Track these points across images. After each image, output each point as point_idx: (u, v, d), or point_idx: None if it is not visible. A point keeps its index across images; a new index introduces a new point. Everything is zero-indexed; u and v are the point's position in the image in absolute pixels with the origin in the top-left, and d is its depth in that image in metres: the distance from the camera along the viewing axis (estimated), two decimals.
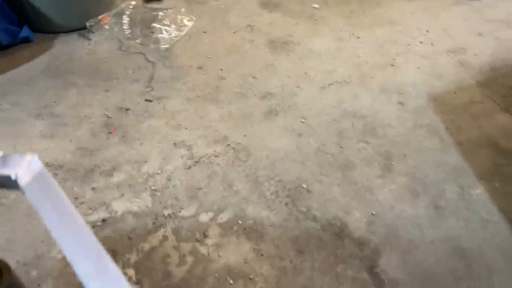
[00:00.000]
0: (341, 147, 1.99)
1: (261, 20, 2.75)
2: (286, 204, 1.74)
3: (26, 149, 1.90)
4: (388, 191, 1.80)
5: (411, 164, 1.92)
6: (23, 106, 2.10)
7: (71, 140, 1.95)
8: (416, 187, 1.82)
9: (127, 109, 2.11)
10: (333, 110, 2.17)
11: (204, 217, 1.69)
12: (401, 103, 2.23)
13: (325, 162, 1.92)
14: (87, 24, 2.53)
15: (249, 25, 2.70)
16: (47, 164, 1.83)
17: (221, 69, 2.38)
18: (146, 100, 2.17)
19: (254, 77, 2.34)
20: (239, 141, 1.99)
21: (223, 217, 1.69)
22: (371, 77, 2.38)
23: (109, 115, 2.08)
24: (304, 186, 1.81)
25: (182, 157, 1.91)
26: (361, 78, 2.38)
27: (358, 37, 2.67)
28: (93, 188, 1.76)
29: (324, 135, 2.04)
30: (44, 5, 2.41)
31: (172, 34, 2.52)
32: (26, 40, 2.44)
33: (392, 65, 2.47)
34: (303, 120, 2.11)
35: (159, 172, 1.84)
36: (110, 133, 2.00)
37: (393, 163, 1.92)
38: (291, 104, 2.20)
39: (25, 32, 2.43)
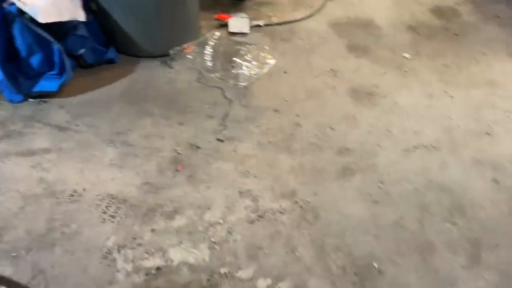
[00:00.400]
0: (422, 224, 1.78)
1: (346, 65, 2.61)
2: (354, 283, 1.56)
3: (93, 176, 1.88)
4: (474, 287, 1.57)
5: (504, 258, 1.67)
6: (98, 129, 2.10)
7: (138, 173, 1.92)
8: None
9: (198, 147, 2.05)
10: (416, 179, 1.96)
11: (261, 283, 1.56)
12: (496, 181, 1.98)
13: (402, 240, 1.72)
14: (171, 51, 2.53)
15: (332, 70, 2.56)
16: (111, 197, 1.80)
17: (298, 115, 2.26)
18: (218, 140, 2.09)
19: (332, 128, 2.19)
20: (308, 199, 1.85)
21: (282, 287, 1.55)
22: (462, 145, 2.14)
23: (179, 151, 2.02)
24: (376, 265, 1.62)
25: (246, 209, 1.80)
26: (451, 144, 2.14)
27: (451, 96, 2.43)
28: (152, 230, 1.70)
29: (404, 207, 1.84)
30: (132, 29, 2.44)
31: (253, 71, 2.45)
32: (110, 62, 2.48)
33: (488, 134, 2.21)
34: (381, 186, 1.92)
35: (221, 222, 1.74)
36: (177, 170, 1.94)
37: (482, 254, 1.68)
38: (369, 164, 2.02)
39: (111, 53, 2.47)
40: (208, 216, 1.76)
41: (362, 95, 2.41)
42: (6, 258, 1.56)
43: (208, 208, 1.79)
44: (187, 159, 2.00)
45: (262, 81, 2.45)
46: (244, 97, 2.35)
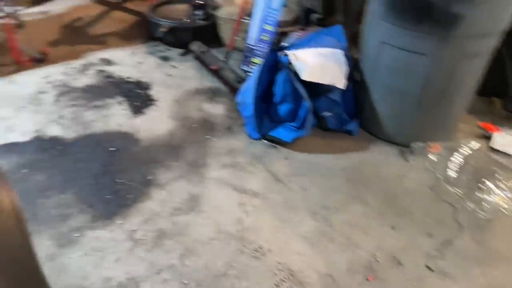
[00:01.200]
0: None
1: None
2: None
3: (284, 240, 1.80)
4: None
5: None
6: (308, 195, 2.03)
7: (326, 260, 1.74)
8: None
9: (400, 264, 1.74)
10: None
11: None
12: None
13: None
14: (413, 144, 2.29)
15: None
16: (290, 272, 1.67)
17: None
18: (427, 267, 1.73)
19: None
20: None
21: None
22: None
23: (378, 258, 1.75)
24: None
25: None
26: None
27: None
28: None
29: None
30: (384, 110, 2.31)
31: (504, 204, 1.98)
32: (348, 133, 2.41)
33: None
34: None
35: None
36: (367, 280, 1.67)
37: None
38: None
39: (352, 125, 2.40)
40: None
41: None
42: (178, 282, 1.60)
43: None
44: (383, 272, 1.71)
45: (510, 220, 1.95)
46: (480, 231, 1.90)
